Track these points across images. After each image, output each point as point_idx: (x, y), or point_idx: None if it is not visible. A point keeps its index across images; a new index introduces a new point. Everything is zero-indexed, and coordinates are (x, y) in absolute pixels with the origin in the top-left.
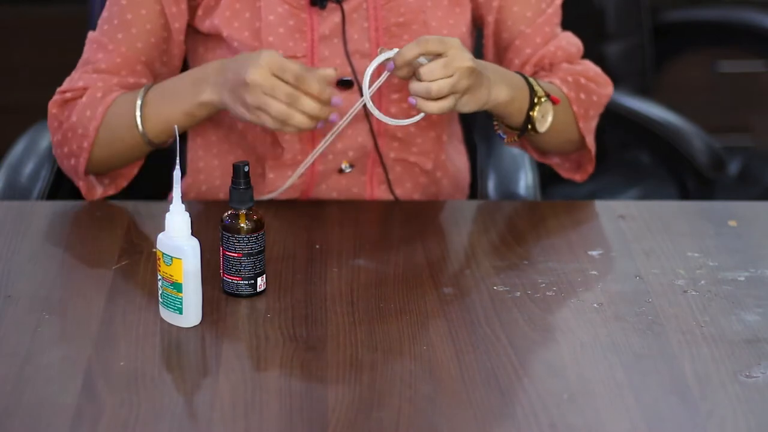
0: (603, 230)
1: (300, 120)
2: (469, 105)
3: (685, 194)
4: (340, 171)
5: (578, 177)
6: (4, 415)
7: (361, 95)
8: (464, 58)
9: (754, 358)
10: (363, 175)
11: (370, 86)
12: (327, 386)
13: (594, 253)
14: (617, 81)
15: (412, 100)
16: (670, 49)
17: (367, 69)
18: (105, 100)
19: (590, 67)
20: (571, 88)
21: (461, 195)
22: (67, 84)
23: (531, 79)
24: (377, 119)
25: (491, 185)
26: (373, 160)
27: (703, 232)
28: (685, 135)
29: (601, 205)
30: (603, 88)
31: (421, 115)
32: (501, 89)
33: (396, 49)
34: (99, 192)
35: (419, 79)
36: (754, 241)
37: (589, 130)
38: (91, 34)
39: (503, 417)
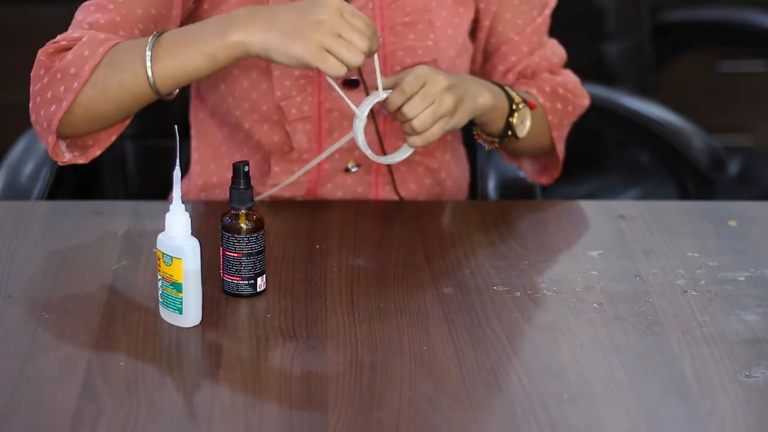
0: (603, 230)
1: (361, 61)
2: (461, 119)
3: (685, 194)
4: (347, 170)
5: (544, 180)
6: (4, 415)
7: (367, 94)
8: (437, 81)
9: (754, 358)
10: (368, 175)
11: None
12: (327, 386)
13: (594, 253)
14: (617, 81)
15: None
16: (670, 49)
17: (361, 112)
18: (107, 42)
19: (570, 79)
20: (547, 98)
21: (461, 195)
22: (61, 36)
23: (506, 87)
24: (383, 119)
25: (491, 185)
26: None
27: (703, 232)
28: (685, 135)
29: (601, 205)
30: (580, 99)
31: (410, 150)
32: (484, 95)
33: (384, 94)
34: (66, 157)
35: (403, 119)
36: (754, 241)
37: (560, 138)
38: (85, 2)
39: (503, 417)
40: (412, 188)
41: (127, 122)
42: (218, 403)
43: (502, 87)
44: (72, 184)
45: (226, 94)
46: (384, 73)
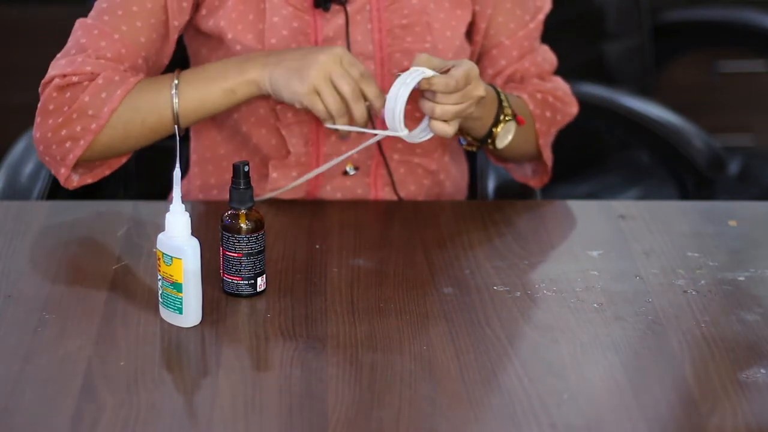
0: (603, 230)
1: (345, 120)
2: (476, 119)
3: (685, 194)
4: (345, 173)
5: (533, 183)
6: (4, 415)
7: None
8: (479, 90)
9: (754, 358)
10: (367, 177)
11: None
12: (327, 386)
13: (594, 253)
14: (617, 81)
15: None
16: (670, 49)
17: (405, 78)
18: (124, 84)
19: (560, 86)
20: (537, 105)
21: (460, 196)
22: (68, 67)
23: (503, 95)
24: (381, 123)
25: (491, 185)
26: (377, 162)
27: (703, 232)
28: (685, 135)
29: (601, 205)
30: (568, 107)
31: (428, 134)
32: (481, 109)
33: (431, 72)
34: (75, 181)
35: (430, 98)
36: (754, 241)
37: (546, 145)
38: (85, 21)
39: (503, 417)
40: (411, 189)
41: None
42: (218, 403)
43: (497, 93)
44: None
45: None
46: (381, 76)
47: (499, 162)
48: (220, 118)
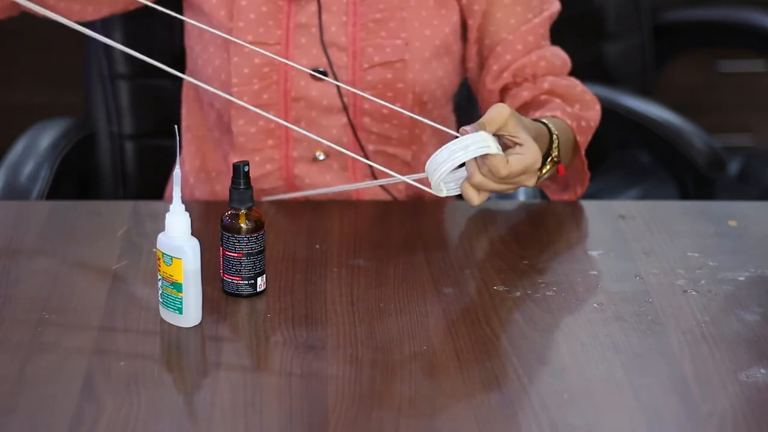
0: (603, 230)
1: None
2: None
3: (685, 194)
4: (314, 159)
5: (566, 197)
6: (4, 415)
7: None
8: (530, 181)
9: (754, 358)
10: (345, 171)
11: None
12: (327, 386)
13: (594, 253)
14: (617, 81)
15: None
16: (670, 49)
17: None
18: None
19: (577, 83)
20: (571, 117)
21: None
22: None
23: (554, 137)
24: (353, 115)
25: None
26: (354, 152)
27: (703, 232)
28: (685, 135)
29: (601, 205)
30: (592, 109)
31: (455, 191)
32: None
33: (496, 149)
34: None
35: (477, 171)
36: (754, 241)
37: (583, 155)
38: None
39: (503, 417)
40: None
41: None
42: (218, 403)
43: (550, 134)
44: (72, 183)
45: (200, 66)
46: (352, 69)
47: None
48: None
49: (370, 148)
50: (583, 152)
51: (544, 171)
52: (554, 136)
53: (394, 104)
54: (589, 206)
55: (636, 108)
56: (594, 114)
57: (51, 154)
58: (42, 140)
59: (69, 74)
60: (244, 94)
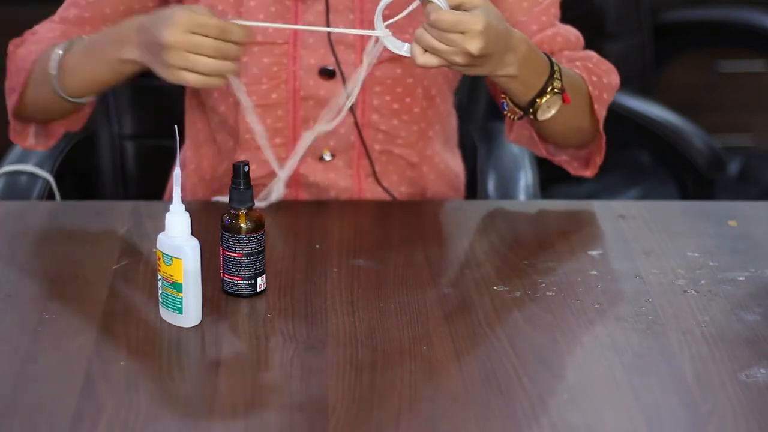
0: (603, 230)
1: (230, 67)
2: (475, 70)
3: (685, 194)
4: (321, 159)
5: (588, 173)
6: (4, 415)
7: (344, 83)
8: (472, 44)
9: (754, 358)
10: (350, 169)
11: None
12: (327, 386)
13: (594, 253)
14: None
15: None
16: (670, 49)
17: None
18: (33, 55)
19: (593, 54)
20: (583, 70)
21: (455, 194)
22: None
23: (557, 67)
24: (361, 113)
25: (491, 185)
26: (359, 152)
27: (703, 232)
28: (685, 135)
29: (601, 205)
30: (610, 74)
31: (406, 52)
32: (507, 68)
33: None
34: (29, 142)
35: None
36: (754, 241)
37: (601, 115)
38: None
39: (503, 417)
40: (393, 179)
41: (81, 118)
42: (218, 403)
43: (552, 63)
44: (72, 184)
45: None
46: (358, 56)
47: (552, 155)
48: (205, 97)
49: (376, 147)
50: (596, 105)
51: (543, 99)
52: (555, 66)
53: (403, 100)
54: (589, 206)
55: (636, 108)
56: (612, 77)
57: (51, 154)
58: None
59: None
60: (252, 93)
